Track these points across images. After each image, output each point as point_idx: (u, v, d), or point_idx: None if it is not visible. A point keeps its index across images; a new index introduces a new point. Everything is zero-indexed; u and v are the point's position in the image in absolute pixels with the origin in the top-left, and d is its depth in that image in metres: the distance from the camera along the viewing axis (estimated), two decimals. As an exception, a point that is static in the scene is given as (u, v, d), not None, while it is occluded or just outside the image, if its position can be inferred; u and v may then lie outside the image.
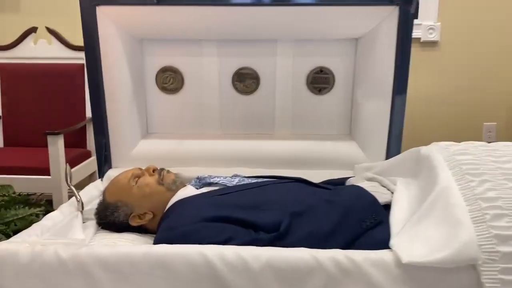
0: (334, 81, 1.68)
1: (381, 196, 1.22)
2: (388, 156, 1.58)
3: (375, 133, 1.60)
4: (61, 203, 1.67)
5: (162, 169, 1.34)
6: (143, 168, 1.35)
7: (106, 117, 1.60)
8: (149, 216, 1.27)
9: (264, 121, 1.73)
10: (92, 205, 1.40)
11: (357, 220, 1.11)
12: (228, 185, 1.31)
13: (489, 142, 1.19)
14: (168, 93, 1.72)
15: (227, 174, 1.44)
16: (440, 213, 0.99)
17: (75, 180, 2.28)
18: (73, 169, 2.25)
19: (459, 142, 1.20)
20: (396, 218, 1.10)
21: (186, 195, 1.26)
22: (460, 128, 2.74)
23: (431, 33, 2.66)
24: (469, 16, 2.64)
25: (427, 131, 2.69)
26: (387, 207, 1.17)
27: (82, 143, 2.48)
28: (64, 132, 2.12)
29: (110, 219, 1.27)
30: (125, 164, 1.63)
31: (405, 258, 0.91)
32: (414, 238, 0.97)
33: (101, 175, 1.63)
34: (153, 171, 1.33)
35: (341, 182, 1.41)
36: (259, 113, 1.72)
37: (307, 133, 1.73)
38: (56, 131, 2.07)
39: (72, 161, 2.24)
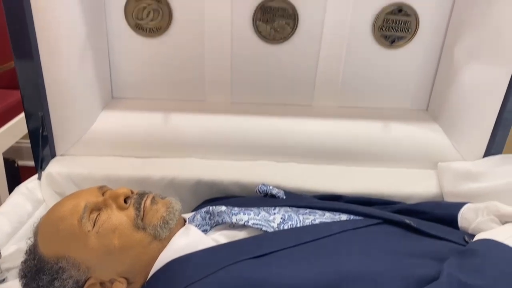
0: (417, 27, 1.04)
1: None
2: (489, 152, 1.03)
3: (474, 113, 1.02)
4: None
5: (142, 195, 0.73)
6: (107, 189, 0.75)
7: (41, 74, 0.94)
8: (120, 287, 0.69)
9: (299, 85, 1.12)
10: (21, 238, 0.83)
11: None
12: (264, 228, 0.72)
13: None
14: (146, 36, 1.06)
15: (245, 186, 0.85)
16: None
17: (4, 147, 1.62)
18: (4, 127, 1.61)
19: None
20: None
21: (188, 248, 0.69)
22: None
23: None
24: None
25: None
26: None
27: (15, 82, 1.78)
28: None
29: (46, 290, 0.69)
30: (76, 149, 1.05)
31: None
32: None
33: (39, 168, 1.01)
34: (125, 199, 0.72)
35: (449, 214, 0.84)
36: (292, 73, 1.10)
37: (364, 107, 1.14)
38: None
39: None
